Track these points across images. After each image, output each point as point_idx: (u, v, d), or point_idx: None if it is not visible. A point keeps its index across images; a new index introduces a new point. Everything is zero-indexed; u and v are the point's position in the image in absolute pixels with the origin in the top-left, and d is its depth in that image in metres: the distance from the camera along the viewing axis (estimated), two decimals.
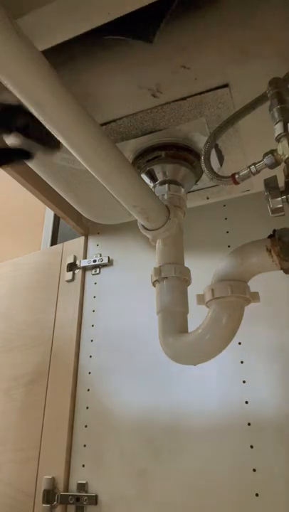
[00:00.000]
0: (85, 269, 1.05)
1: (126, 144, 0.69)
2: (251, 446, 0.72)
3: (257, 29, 0.53)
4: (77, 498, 0.81)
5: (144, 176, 0.72)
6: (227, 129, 0.57)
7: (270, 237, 0.53)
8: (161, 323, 0.60)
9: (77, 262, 1.06)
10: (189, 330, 0.60)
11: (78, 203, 0.89)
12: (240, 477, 0.71)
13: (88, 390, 0.91)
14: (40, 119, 0.41)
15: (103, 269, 1.04)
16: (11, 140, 0.56)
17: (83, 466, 0.84)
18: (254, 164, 0.51)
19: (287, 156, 0.48)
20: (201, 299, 0.57)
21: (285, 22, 0.52)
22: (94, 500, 0.79)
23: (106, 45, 0.59)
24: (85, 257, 1.07)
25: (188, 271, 0.64)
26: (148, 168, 0.70)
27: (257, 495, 0.68)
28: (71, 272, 1.05)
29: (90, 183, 0.78)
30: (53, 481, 0.84)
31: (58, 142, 0.47)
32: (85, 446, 0.86)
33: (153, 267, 0.64)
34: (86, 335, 0.97)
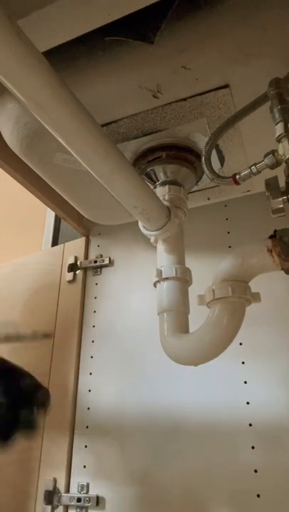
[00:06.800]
0: (86, 269, 1.05)
1: (127, 144, 0.69)
2: (252, 447, 0.72)
3: (257, 29, 0.53)
4: (79, 499, 0.81)
5: (144, 177, 0.72)
6: (228, 129, 0.57)
7: (270, 237, 0.53)
8: (162, 323, 0.60)
9: (78, 263, 1.06)
10: (190, 330, 0.60)
11: (79, 204, 0.89)
12: (241, 478, 0.71)
13: (89, 390, 0.91)
14: (41, 119, 0.41)
15: (104, 270, 1.04)
16: None
17: (84, 466, 0.84)
18: (255, 164, 0.52)
19: (287, 156, 0.48)
20: (202, 299, 0.57)
21: (285, 22, 0.52)
22: (95, 501, 0.79)
23: (107, 46, 0.59)
24: (86, 258, 1.07)
25: (189, 271, 0.64)
26: (149, 169, 0.70)
27: (258, 496, 0.68)
28: (72, 273, 1.05)
29: (91, 184, 0.78)
30: (54, 481, 0.84)
31: None
32: (86, 446, 0.86)
33: (154, 267, 0.64)
34: (87, 336, 0.97)
